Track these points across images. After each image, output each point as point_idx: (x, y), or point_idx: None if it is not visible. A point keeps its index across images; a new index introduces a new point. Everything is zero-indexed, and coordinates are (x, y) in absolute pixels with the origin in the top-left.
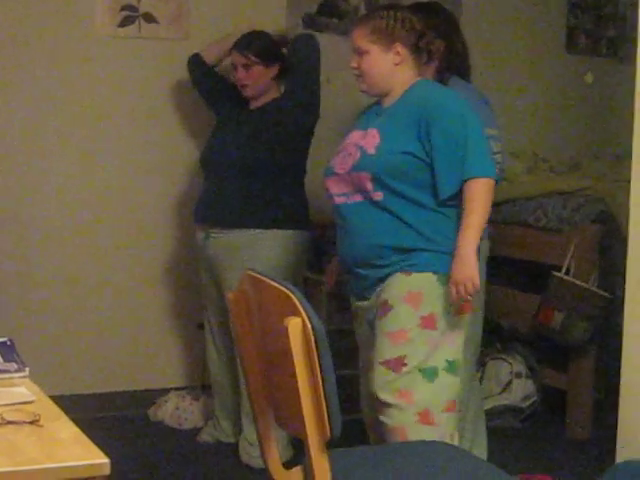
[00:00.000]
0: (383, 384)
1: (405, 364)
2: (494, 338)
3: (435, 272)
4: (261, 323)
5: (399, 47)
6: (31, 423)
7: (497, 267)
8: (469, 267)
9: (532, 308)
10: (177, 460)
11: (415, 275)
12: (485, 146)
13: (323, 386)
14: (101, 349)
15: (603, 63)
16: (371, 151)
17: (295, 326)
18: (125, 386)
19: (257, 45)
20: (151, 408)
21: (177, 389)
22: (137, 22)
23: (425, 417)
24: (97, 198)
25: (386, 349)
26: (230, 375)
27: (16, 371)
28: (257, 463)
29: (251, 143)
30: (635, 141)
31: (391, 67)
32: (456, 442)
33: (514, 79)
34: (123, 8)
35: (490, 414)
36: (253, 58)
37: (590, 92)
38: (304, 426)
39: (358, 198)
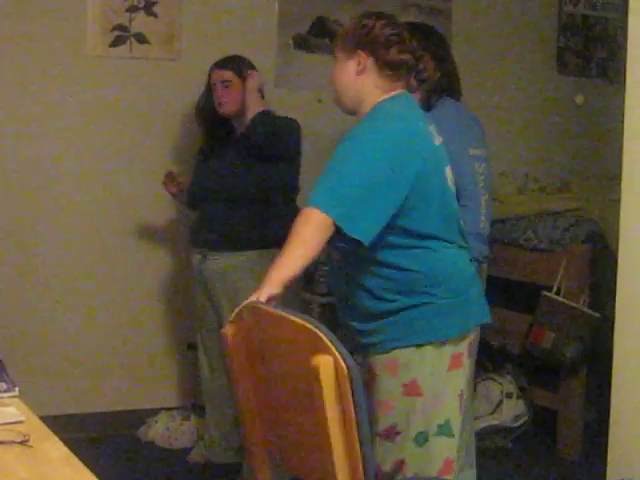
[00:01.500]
0: (383, 456)
1: (398, 432)
2: (484, 358)
3: (406, 346)
4: (269, 360)
5: (361, 55)
6: (21, 443)
7: (487, 287)
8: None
9: (523, 328)
10: None
11: (389, 350)
12: (345, 184)
13: (358, 430)
14: (91, 369)
15: (593, 84)
16: None
17: (326, 365)
18: (115, 406)
19: (234, 62)
20: (141, 428)
21: (167, 409)
22: (128, 42)
23: None
24: (86, 217)
25: (380, 419)
26: (226, 395)
27: (6, 391)
28: None
29: (237, 170)
30: (625, 161)
31: (353, 77)
32: None
33: (505, 99)
34: (114, 28)
35: (481, 434)
36: (229, 73)
37: (580, 112)
38: (334, 474)
39: None
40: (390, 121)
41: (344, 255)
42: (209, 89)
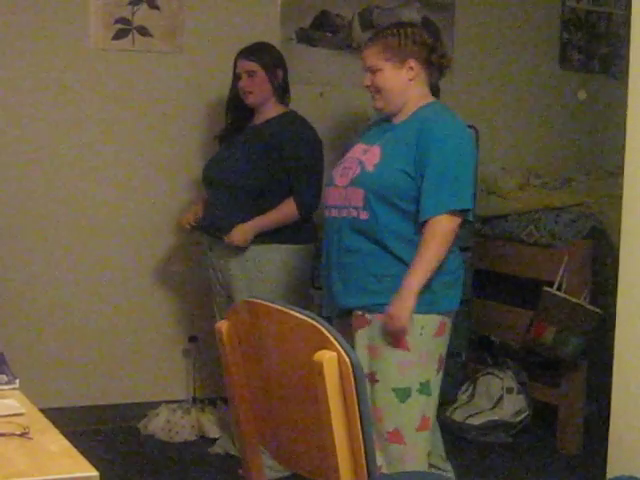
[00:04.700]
0: None
1: (377, 380)
2: (485, 353)
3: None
4: (267, 356)
5: (412, 62)
6: (21, 435)
7: (489, 282)
8: (402, 306)
9: (524, 323)
10: (167, 474)
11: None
12: (468, 181)
13: (361, 426)
14: (92, 362)
15: (596, 79)
16: (369, 168)
17: (330, 361)
18: (116, 399)
19: (260, 52)
20: (142, 421)
21: (168, 402)
22: (131, 35)
23: (395, 436)
24: (89, 210)
25: (364, 363)
26: None
27: (6, 383)
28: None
29: (247, 162)
30: (627, 157)
31: (405, 83)
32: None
33: (507, 94)
34: (117, 21)
35: (481, 429)
36: (254, 64)
37: (583, 108)
38: (336, 470)
39: (346, 214)
40: (459, 122)
41: (375, 225)
42: (235, 77)
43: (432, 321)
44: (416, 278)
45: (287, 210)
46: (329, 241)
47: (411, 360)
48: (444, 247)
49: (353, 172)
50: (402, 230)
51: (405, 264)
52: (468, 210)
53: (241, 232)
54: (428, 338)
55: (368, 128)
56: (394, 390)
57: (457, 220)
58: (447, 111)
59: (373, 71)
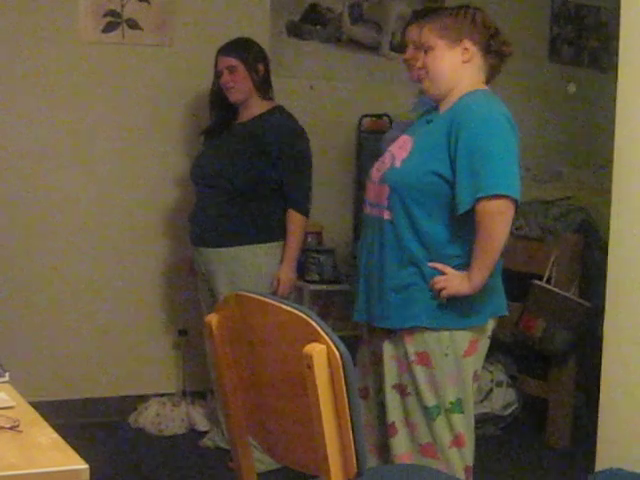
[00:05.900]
0: (392, 407)
1: (408, 393)
2: None
3: (427, 327)
4: (257, 349)
5: (467, 43)
6: (10, 429)
7: None
8: (453, 284)
9: (513, 316)
10: (157, 467)
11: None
12: (508, 163)
13: (351, 418)
14: (82, 355)
15: (585, 73)
16: (397, 164)
17: (320, 354)
18: (105, 392)
19: (240, 47)
20: (132, 414)
21: (158, 396)
22: (120, 28)
23: (428, 450)
24: (80, 206)
25: (393, 373)
26: None
27: None
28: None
29: (235, 160)
30: (616, 151)
31: (457, 64)
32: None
33: (496, 87)
34: (106, 14)
35: None
36: (234, 60)
37: (572, 102)
38: (326, 463)
39: (377, 213)
40: (496, 108)
41: (398, 226)
42: (217, 75)
43: (461, 340)
44: (476, 272)
45: (296, 223)
46: (362, 240)
47: (439, 380)
48: (499, 230)
49: (385, 166)
50: (431, 236)
51: (425, 275)
52: (509, 196)
53: (286, 281)
54: (456, 359)
55: (417, 119)
56: (424, 408)
57: (500, 202)
58: (485, 98)
59: (425, 50)
